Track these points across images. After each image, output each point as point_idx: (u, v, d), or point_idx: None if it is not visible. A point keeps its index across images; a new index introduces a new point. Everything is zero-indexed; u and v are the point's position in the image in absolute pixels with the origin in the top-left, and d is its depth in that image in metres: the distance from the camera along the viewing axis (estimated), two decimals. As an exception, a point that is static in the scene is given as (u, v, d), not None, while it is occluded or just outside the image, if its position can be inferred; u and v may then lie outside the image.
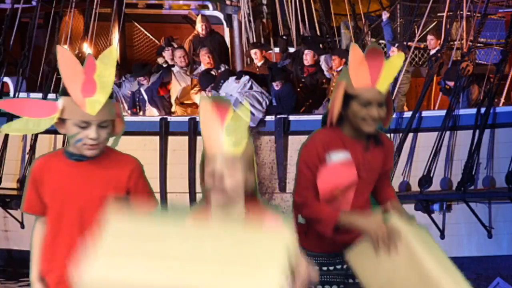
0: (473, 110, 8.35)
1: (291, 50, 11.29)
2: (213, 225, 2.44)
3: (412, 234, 3.02)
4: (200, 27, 11.23)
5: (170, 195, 9.09)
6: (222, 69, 10.40)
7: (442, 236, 8.18)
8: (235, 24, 11.86)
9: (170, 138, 9.09)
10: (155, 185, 8.51)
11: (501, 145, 8.48)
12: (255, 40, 11.39)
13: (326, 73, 10.23)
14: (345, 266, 3.34)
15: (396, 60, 3.25)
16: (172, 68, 10.48)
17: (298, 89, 10.08)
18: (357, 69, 3.17)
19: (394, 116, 8.62)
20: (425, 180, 8.26)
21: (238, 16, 11.81)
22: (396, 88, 9.11)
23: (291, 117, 8.95)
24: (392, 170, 3.59)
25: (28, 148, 9.10)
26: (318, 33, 12.29)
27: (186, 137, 8.72)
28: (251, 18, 11.47)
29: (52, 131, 3.30)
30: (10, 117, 9.00)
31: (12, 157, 9.29)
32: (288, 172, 8.85)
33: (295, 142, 8.67)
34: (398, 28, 13.10)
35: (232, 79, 9.69)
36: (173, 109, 10.22)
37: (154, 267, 2.06)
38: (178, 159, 9.11)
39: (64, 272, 3.04)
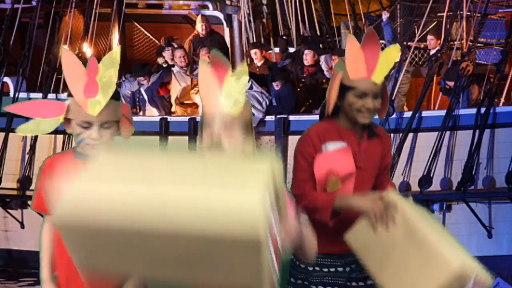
0: (473, 110, 8.35)
1: (291, 50, 11.29)
2: (200, 155, 2.44)
3: (408, 207, 3.02)
4: (200, 27, 11.23)
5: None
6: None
7: (442, 236, 8.17)
8: (235, 24, 11.86)
9: (170, 138, 9.09)
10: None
11: (501, 145, 8.48)
12: (255, 40, 11.39)
13: (326, 73, 10.23)
14: (347, 269, 3.32)
15: (392, 52, 3.25)
16: (172, 68, 10.49)
17: (298, 89, 10.08)
18: (353, 61, 3.18)
19: (394, 116, 8.63)
20: (425, 180, 8.26)
21: (238, 16, 11.81)
22: (396, 88, 9.11)
23: (291, 117, 8.95)
24: (393, 168, 3.58)
25: (28, 148, 9.10)
26: (318, 33, 12.29)
27: (186, 137, 8.72)
28: (251, 18, 11.48)
29: (52, 131, 3.32)
30: (10, 117, 9.04)
31: (12, 157, 9.29)
32: (289, 172, 8.78)
33: (295, 142, 8.60)
34: (398, 28, 13.11)
35: (232, 79, 9.68)
36: (173, 109, 10.22)
37: (138, 187, 2.03)
38: (178, 159, 9.09)
39: (72, 270, 3.09)
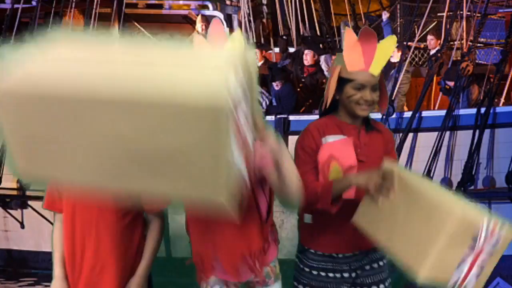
0: (473, 110, 8.33)
1: (291, 50, 11.29)
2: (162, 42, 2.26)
3: (406, 173, 3.01)
4: (200, 27, 11.23)
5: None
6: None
7: (442, 236, 8.16)
8: (235, 24, 11.86)
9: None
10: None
11: (501, 145, 8.47)
12: (255, 40, 11.38)
13: (326, 73, 10.22)
14: (353, 275, 3.31)
15: (388, 43, 3.25)
16: (172, 68, 10.48)
17: (298, 89, 10.08)
18: (351, 53, 3.19)
19: (394, 116, 8.63)
20: (425, 180, 8.24)
21: (238, 16, 11.81)
22: (396, 88, 9.11)
23: (291, 117, 8.93)
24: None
25: (28, 148, 9.09)
26: (318, 33, 12.30)
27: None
28: (251, 18, 11.48)
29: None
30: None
31: (12, 157, 9.28)
32: (288, 172, 8.82)
33: (295, 142, 8.67)
34: (398, 28, 13.12)
35: (232, 79, 9.69)
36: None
37: (92, 58, 1.90)
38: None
39: (81, 268, 3.13)
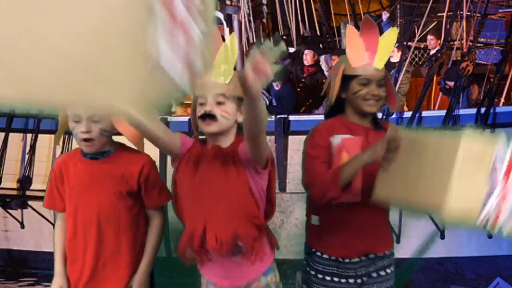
0: (473, 110, 8.33)
1: (291, 50, 11.30)
2: None
3: (408, 131, 2.98)
4: (200, 27, 11.23)
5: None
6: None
7: (442, 236, 8.16)
8: (235, 24, 11.85)
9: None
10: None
11: (501, 145, 8.47)
12: (255, 40, 11.39)
13: (326, 73, 10.23)
14: (359, 281, 3.28)
15: (390, 35, 3.23)
16: (172, 68, 10.47)
17: (298, 89, 10.08)
18: (354, 48, 3.17)
19: (394, 116, 8.63)
20: (425, 180, 8.25)
21: (238, 16, 11.81)
22: (396, 88, 9.11)
23: (291, 117, 8.93)
24: None
25: (28, 148, 9.09)
26: (318, 33, 12.30)
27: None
28: (251, 18, 11.48)
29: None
30: (11, 117, 9.04)
31: (12, 157, 9.28)
32: (288, 172, 8.83)
33: (295, 142, 8.67)
34: (398, 28, 13.11)
35: (232, 79, 9.68)
36: (173, 109, 10.22)
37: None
38: (178, 158, 9.10)
39: (83, 265, 3.15)
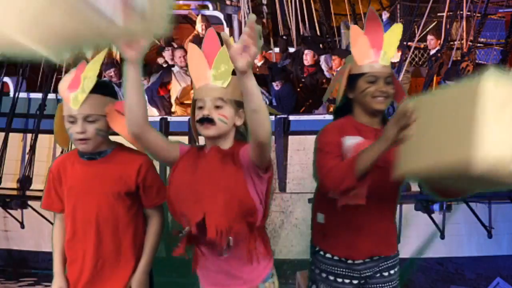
0: (473, 110, 8.33)
1: (291, 50, 11.29)
2: None
3: (421, 96, 2.79)
4: (200, 27, 11.23)
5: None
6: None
7: (442, 236, 8.17)
8: (235, 24, 11.86)
9: (170, 138, 9.10)
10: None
11: (501, 145, 8.47)
12: (255, 40, 11.37)
13: (326, 73, 10.23)
14: (362, 282, 3.26)
15: (395, 31, 3.20)
16: (172, 68, 10.48)
17: (298, 89, 10.08)
18: (359, 46, 3.14)
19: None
20: (425, 180, 8.25)
21: (238, 16, 11.82)
22: (396, 88, 9.10)
23: (291, 117, 8.94)
24: None
25: (28, 148, 9.10)
26: (318, 33, 12.30)
27: (186, 137, 8.72)
28: (251, 18, 11.47)
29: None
30: (11, 117, 9.04)
31: (12, 157, 9.29)
32: (288, 172, 8.84)
33: (295, 142, 8.67)
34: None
35: (232, 79, 9.68)
36: (173, 109, 10.22)
37: None
38: (178, 159, 9.09)
39: (82, 266, 3.15)
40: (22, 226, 9.09)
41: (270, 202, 3.04)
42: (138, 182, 3.19)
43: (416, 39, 10.07)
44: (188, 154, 2.96)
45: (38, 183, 8.76)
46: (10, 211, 9.07)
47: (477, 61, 10.53)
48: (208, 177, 2.86)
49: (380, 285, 3.29)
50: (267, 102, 9.57)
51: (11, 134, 9.04)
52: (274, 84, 9.60)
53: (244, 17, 11.44)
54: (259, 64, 10.42)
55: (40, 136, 8.86)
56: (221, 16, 11.91)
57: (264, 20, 12.42)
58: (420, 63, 11.75)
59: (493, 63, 9.74)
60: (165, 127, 9.15)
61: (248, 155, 2.79)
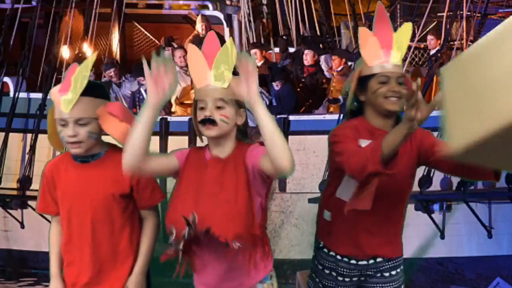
0: (473, 110, 8.33)
1: (291, 50, 11.29)
2: None
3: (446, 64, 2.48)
4: (200, 27, 11.23)
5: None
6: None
7: (442, 236, 8.17)
8: (235, 24, 11.86)
9: (170, 138, 9.08)
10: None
11: (501, 145, 8.46)
12: (255, 40, 11.39)
13: (326, 73, 10.22)
14: (362, 279, 3.27)
15: (404, 30, 3.15)
16: (172, 68, 10.46)
17: (298, 89, 10.08)
18: (368, 47, 3.09)
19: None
20: (425, 180, 8.25)
21: (238, 16, 11.81)
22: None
23: (291, 117, 8.93)
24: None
25: (28, 148, 9.10)
26: (318, 33, 12.29)
27: (186, 137, 8.71)
28: (251, 18, 11.48)
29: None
30: (11, 117, 9.04)
31: (12, 157, 9.28)
32: (288, 172, 8.82)
33: (295, 142, 8.66)
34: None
35: (232, 79, 9.68)
36: (173, 109, 10.22)
37: None
38: (178, 159, 9.09)
39: (80, 268, 3.15)
40: (22, 226, 9.08)
41: (269, 203, 3.05)
42: (132, 184, 3.16)
43: (416, 39, 10.06)
44: (190, 164, 2.95)
45: (38, 183, 8.71)
46: (10, 211, 9.06)
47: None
48: (209, 191, 2.87)
49: (380, 285, 3.29)
50: (267, 102, 9.56)
51: (11, 134, 9.04)
52: (274, 84, 9.59)
53: (244, 17, 11.43)
54: (259, 64, 10.42)
55: (40, 136, 8.85)
56: (221, 16, 11.91)
57: (264, 20, 12.42)
58: (420, 63, 11.74)
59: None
60: (165, 127, 9.14)
61: (257, 160, 2.79)
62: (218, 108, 2.87)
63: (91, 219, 3.15)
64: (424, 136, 3.16)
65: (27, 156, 9.10)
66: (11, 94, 9.41)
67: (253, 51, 10.51)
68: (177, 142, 9.25)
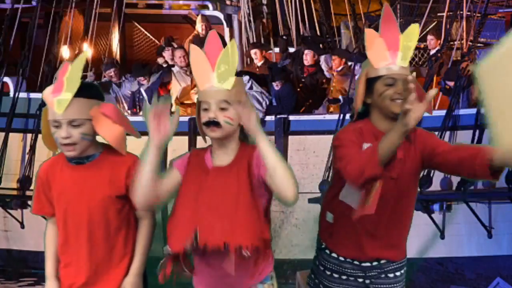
0: (473, 110, 8.32)
1: (291, 50, 11.28)
2: None
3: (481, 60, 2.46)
4: (200, 27, 11.23)
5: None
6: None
7: (442, 236, 8.16)
8: (235, 24, 11.85)
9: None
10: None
11: (501, 145, 8.45)
12: (255, 40, 11.38)
13: (326, 73, 10.22)
14: (367, 281, 3.25)
15: (412, 31, 3.11)
16: (172, 68, 10.47)
17: (298, 89, 10.07)
18: (374, 49, 3.06)
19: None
20: (425, 180, 8.25)
21: (238, 16, 11.81)
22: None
23: (291, 117, 8.94)
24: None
25: (28, 148, 9.10)
26: (318, 33, 12.29)
27: (186, 137, 8.71)
28: (251, 18, 11.48)
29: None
30: (11, 117, 9.04)
31: (12, 157, 9.28)
32: (288, 172, 8.82)
33: (295, 142, 8.66)
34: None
35: (232, 79, 9.67)
36: (173, 109, 10.19)
37: None
38: (178, 159, 9.08)
39: (77, 269, 3.14)
40: (22, 226, 9.08)
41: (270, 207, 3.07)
42: (128, 184, 3.12)
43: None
44: (190, 172, 2.95)
45: (38, 183, 8.75)
46: (10, 211, 9.06)
47: (477, 61, 10.51)
48: (209, 203, 2.87)
49: (385, 286, 3.27)
50: (267, 102, 9.56)
51: (11, 134, 9.04)
52: (274, 84, 9.59)
53: (244, 17, 11.43)
54: (259, 64, 10.42)
55: (40, 136, 8.85)
56: (221, 16, 11.91)
57: (264, 20, 12.42)
58: (420, 63, 11.74)
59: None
60: (165, 127, 9.14)
61: (265, 174, 2.80)
62: (222, 109, 2.87)
63: (87, 220, 3.14)
64: (427, 139, 3.13)
65: (27, 156, 9.10)
66: (11, 94, 9.41)
67: (253, 51, 10.51)
68: (177, 142, 9.23)
